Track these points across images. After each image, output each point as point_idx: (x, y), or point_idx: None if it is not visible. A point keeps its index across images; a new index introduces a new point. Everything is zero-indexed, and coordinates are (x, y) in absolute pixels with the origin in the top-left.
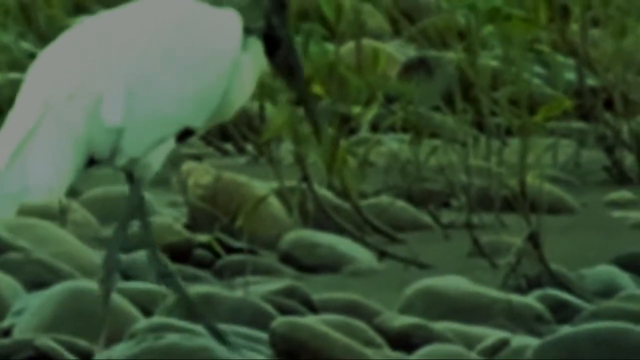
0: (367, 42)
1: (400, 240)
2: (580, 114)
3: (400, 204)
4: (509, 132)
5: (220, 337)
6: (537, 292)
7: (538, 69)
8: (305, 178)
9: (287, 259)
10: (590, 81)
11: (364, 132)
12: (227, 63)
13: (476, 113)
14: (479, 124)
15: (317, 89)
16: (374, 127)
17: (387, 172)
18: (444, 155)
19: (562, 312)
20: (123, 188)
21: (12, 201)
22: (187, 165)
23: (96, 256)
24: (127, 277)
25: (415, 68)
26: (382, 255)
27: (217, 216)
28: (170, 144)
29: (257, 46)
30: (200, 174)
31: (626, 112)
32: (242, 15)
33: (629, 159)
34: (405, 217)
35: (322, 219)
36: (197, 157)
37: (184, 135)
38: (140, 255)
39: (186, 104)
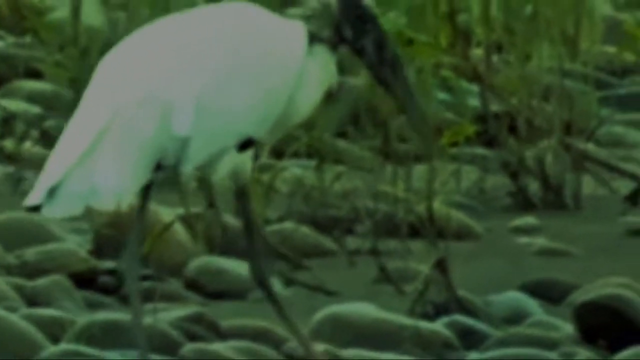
0: None
1: (306, 267)
2: (485, 139)
3: (305, 230)
4: (416, 158)
5: None
6: (445, 319)
7: (442, 94)
8: (212, 204)
9: (193, 285)
10: (495, 107)
11: (264, 158)
12: (291, 73)
13: (383, 139)
14: (384, 150)
15: None
16: (278, 153)
17: (291, 198)
18: (349, 181)
19: (470, 339)
20: (26, 215)
21: (79, 201)
22: None
23: (1, 283)
24: (33, 303)
25: None
26: (288, 281)
27: (122, 242)
28: (232, 152)
29: (324, 54)
30: None
31: (530, 137)
32: (309, 23)
33: (533, 185)
34: (309, 243)
35: (228, 245)
36: None
37: (245, 145)
38: (46, 281)
39: (250, 114)
